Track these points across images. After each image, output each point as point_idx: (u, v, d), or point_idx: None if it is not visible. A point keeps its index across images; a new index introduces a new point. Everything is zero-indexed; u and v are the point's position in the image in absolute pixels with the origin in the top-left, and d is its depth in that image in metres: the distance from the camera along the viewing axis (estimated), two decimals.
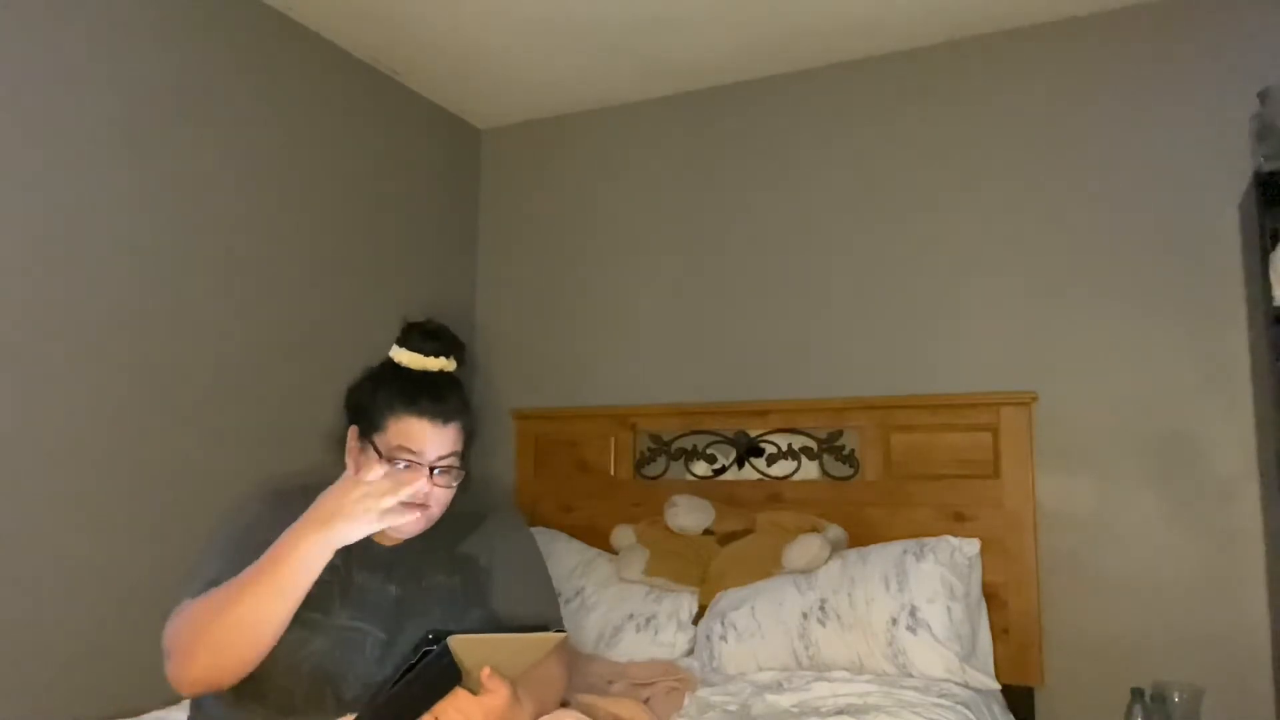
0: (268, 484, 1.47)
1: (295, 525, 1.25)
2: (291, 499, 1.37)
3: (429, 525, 1.41)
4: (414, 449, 1.35)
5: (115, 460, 2.09)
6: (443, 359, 1.43)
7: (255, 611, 1.23)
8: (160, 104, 2.22)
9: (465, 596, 1.43)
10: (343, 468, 1.43)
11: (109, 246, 2.10)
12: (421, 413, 1.36)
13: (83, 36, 2.06)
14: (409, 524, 1.35)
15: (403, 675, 1.16)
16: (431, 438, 1.36)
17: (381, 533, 1.40)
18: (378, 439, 1.37)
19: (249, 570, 1.25)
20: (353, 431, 1.42)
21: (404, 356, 1.43)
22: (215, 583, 1.29)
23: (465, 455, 1.43)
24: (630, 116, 3.14)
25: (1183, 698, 2.13)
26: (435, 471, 1.37)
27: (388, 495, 1.25)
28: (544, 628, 1.36)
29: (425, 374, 1.41)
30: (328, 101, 2.72)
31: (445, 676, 1.17)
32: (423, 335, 1.44)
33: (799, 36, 2.70)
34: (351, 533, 1.24)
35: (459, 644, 1.14)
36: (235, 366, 2.38)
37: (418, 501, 1.34)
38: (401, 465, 1.35)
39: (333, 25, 2.66)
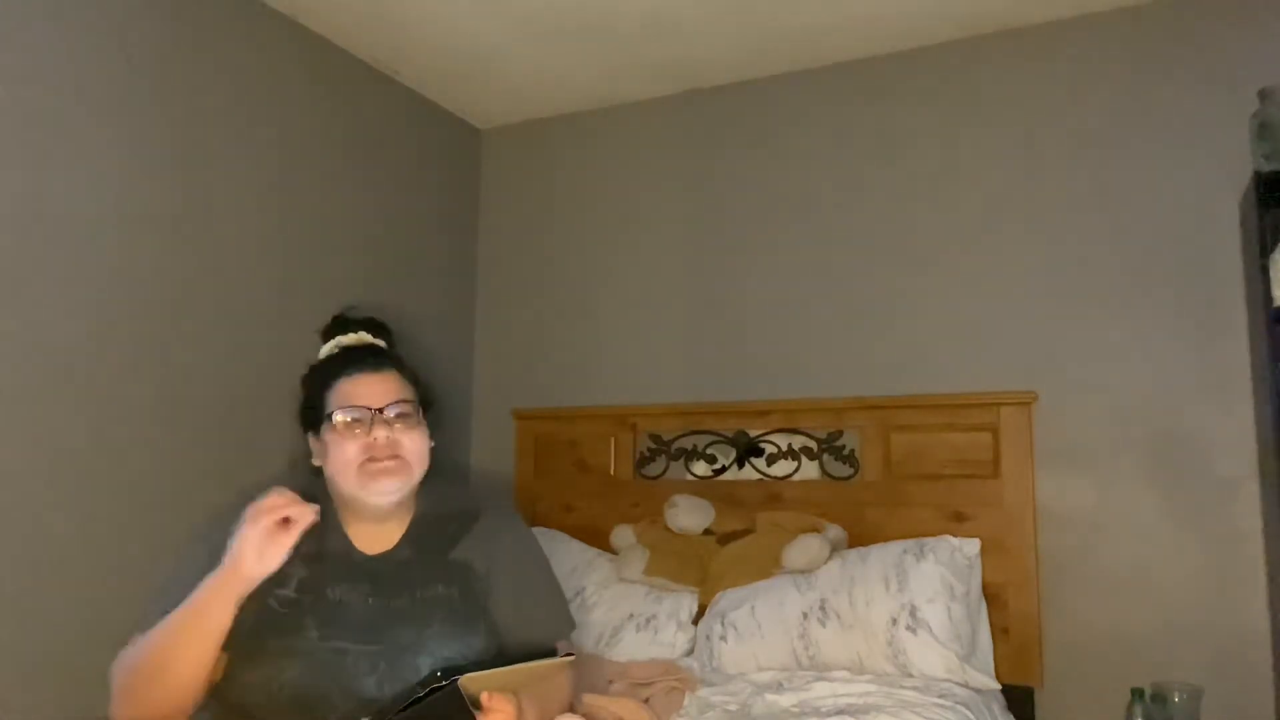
0: (244, 495, 1.40)
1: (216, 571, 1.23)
2: None
3: (408, 482, 1.37)
4: (359, 402, 1.35)
5: (110, 459, 2.09)
6: (363, 333, 1.48)
7: (174, 660, 1.22)
8: (156, 105, 2.22)
9: (465, 608, 1.38)
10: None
11: (106, 245, 2.10)
12: (352, 370, 1.39)
13: (80, 38, 2.06)
14: (388, 481, 1.33)
15: (407, 706, 1.13)
16: (372, 386, 1.37)
17: (364, 534, 1.39)
18: (328, 425, 1.36)
19: (173, 615, 1.23)
20: (311, 439, 1.42)
21: (326, 347, 1.48)
22: (166, 614, 1.26)
23: (425, 408, 1.42)
24: (630, 116, 3.14)
25: (1183, 698, 2.12)
26: (393, 416, 1.36)
27: (266, 511, 1.22)
28: (553, 650, 1.31)
29: (350, 349, 1.45)
30: (327, 102, 2.72)
31: (459, 717, 1.14)
32: (338, 325, 1.50)
33: (799, 36, 2.70)
34: (251, 565, 1.21)
35: (471, 682, 1.12)
36: (231, 366, 2.38)
37: (384, 453, 1.33)
38: (350, 419, 1.34)
39: (332, 25, 2.66)
